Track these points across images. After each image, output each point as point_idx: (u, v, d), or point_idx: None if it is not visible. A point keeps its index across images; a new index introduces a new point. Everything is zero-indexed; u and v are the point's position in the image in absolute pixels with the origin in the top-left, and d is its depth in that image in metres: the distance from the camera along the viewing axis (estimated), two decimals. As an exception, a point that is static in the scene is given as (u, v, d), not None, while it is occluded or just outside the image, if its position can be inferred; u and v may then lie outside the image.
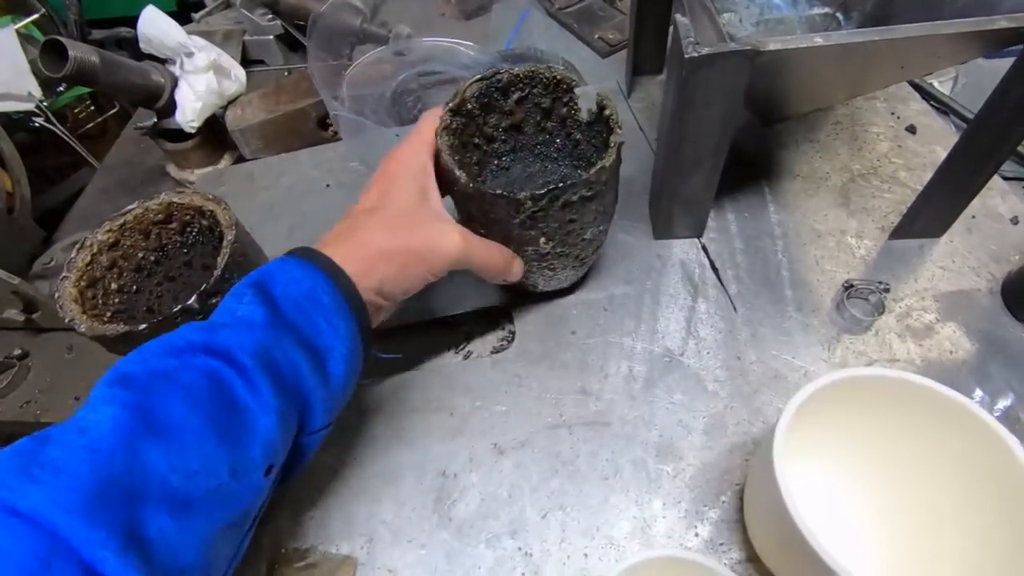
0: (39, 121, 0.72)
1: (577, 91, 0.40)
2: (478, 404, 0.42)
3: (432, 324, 0.48)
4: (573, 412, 0.41)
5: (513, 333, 0.46)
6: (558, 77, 0.40)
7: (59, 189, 0.83)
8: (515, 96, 0.42)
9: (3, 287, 0.48)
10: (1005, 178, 0.51)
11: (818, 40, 0.33)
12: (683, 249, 0.49)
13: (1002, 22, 0.32)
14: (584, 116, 0.41)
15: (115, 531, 0.21)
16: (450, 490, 0.39)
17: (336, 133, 0.62)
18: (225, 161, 0.64)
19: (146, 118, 0.74)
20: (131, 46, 0.99)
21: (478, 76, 0.40)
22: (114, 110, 1.21)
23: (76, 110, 1.11)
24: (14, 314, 0.52)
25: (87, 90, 0.98)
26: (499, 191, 0.34)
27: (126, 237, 0.39)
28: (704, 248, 0.49)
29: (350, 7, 0.69)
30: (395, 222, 0.34)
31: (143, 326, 0.33)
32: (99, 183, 0.69)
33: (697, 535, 0.36)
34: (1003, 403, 0.39)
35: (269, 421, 0.27)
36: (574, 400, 0.42)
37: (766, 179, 0.53)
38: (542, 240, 0.38)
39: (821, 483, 0.35)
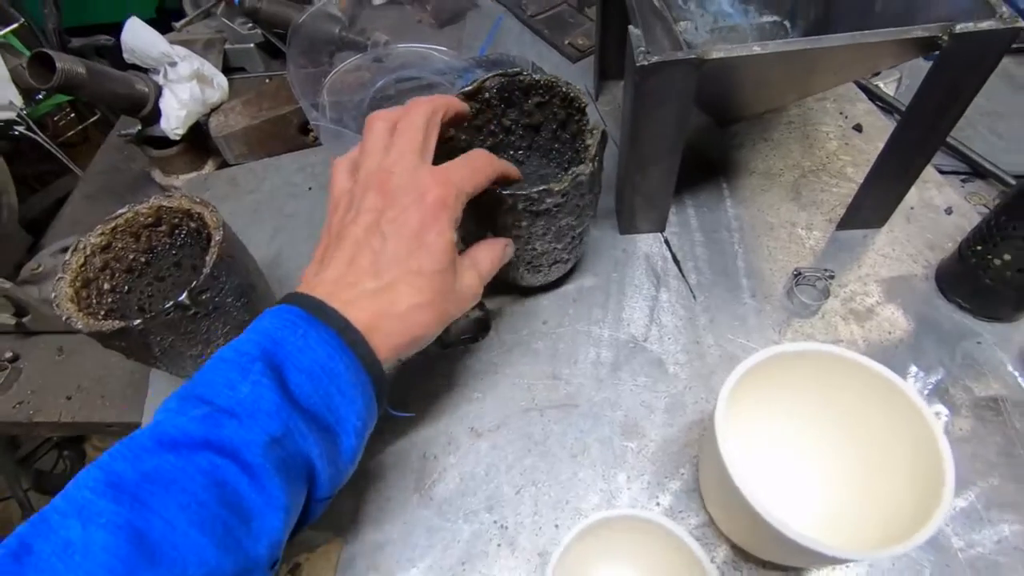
0: (20, 129, 0.73)
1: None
2: (455, 391, 0.45)
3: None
4: (545, 396, 0.44)
5: (488, 323, 0.49)
6: (572, 95, 0.42)
7: (41, 197, 0.84)
8: (535, 100, 0.45)
9: (-5, 291, 0.50)
10: (941, 171, 0.55)
11: (756, 49, 0.37)
12: (647, 243, 0.52)
13: (917, 31, 0.36)
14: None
15: None
16: (431, 471, 0.42)
17: (317, 138, 0.65)
18: (209, 166, 0.66)
19: (130, 125, 0.76)
20: (111, 54, 1.00)
21: (499, 72, 0.43)
22: (95, 118, 1.22)
23: (56, 118, 1.12)
24: (5, 318, 0.54)
25: (67, 98, 0.99)
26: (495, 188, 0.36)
27: (117, 240, 0.41)
28: (666, 241, 0.52)
29: (329, 16, 0.71)
30: (424, 284, 0.30)
31: (137, 321, 0.35)
32: (84, 189, 0.71)
33: (659, 504, 0.39)
34: (935, 377, 0.43)
35: (277, 519, 0.25)
36: (545, 385, 0.45)
37: (724, 176, 0.56)
38: (533, 238, 0.41)
39: (765, 447, 0.38)
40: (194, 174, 0.65)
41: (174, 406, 0.26)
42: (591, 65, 0.68)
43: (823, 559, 0.31)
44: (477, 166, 0.33)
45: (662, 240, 0.52)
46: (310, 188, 0.61)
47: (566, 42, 0.74)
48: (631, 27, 0.39)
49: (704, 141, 0.59)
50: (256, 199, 0.61)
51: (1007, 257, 0.40)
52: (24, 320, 0.55)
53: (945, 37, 0.35)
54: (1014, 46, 0.66)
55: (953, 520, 0.37)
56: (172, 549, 0.22)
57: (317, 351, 0.27)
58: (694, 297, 0.48)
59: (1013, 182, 0.55)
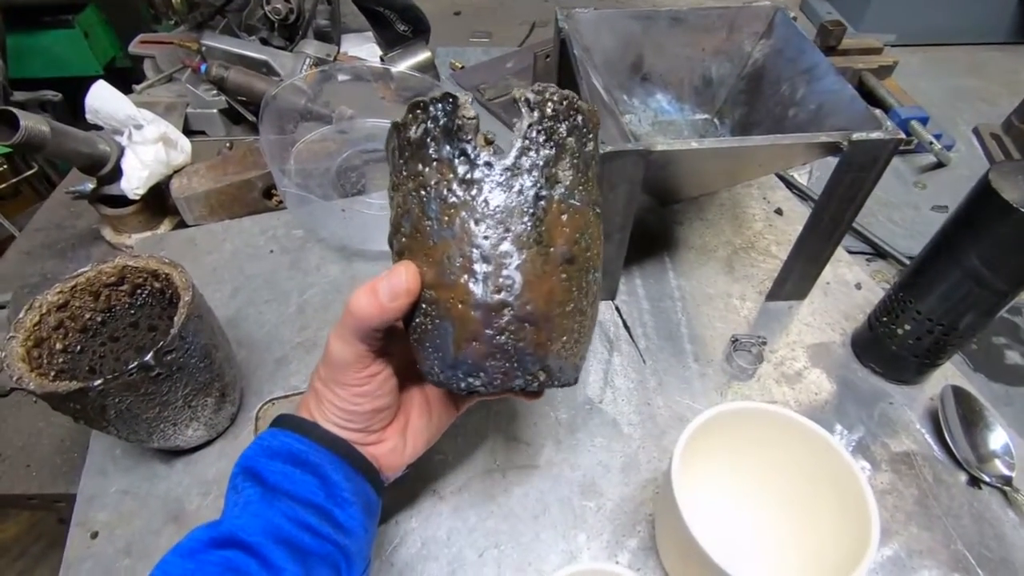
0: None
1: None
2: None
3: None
4: (506, 457, 0.46)
5: (450, 387, 0.50)
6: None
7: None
8: None
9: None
10: (850, 252, 0.63)
11: (694, 144, 0.43)
12: (599, 311, 0.56)
13: (822, 137, 0.43)
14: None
15: None
16: (392, 536, 0.41)
17: (281, 202, 0.66)
18: (165, 226, 0.65)
19: (78, 182, 0.74)
20: (54, 108, 0.99)
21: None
22: (31, 171, 1.18)
23: (-13, 171, 1.07)
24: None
25: (3, 151, 0.96)
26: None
27: (76, 298, 0.41)
28: (617, 309, 0.56)
29: (294, 88, 0.75)
30: (322, 363, 0.33)
31: (98, 382, 0.34)
32: (22, 246, 0.68)
33: (618, 562, 0.40)
34: (856, 435, 0.47)
35: None
36: (506, 446, 0.46)
37: (667, 251, 0.62)
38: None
39: (713, 502, 0.41)
40: (148, 233, 0.64)
41: (191, 531, 0.30)
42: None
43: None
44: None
45: (614, 307, 0.56)
46: (271, 251, 0.62)
47: (521, 124, 0.80)
48: (587, 120, 0.44)
49: (649, 219, 0.65)
50: (215, 260, 0.61)
51: (907, 327, 0.46)
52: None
53: (845, 143, 0.42)
54: (904, 149, 0.78)
55: (882, 568, 0.40)
56: None
57: (279, 450, 0.31)
58: (644, 361, 0.52)
59: (907, 262, 0.64)
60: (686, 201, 0.66)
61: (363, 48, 0.93)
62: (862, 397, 0.50)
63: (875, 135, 0.42)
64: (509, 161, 0.27)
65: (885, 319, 0.48)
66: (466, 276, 0.28)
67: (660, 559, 0.40)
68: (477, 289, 0.28)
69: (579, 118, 0.29)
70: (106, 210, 0.62)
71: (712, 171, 0.52)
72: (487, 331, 0.28)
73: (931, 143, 0.73)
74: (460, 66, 0.92)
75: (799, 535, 0.38)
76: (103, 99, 0.59)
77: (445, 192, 0.28)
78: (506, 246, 0.28)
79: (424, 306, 0.29)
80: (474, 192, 0.27)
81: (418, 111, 0.28)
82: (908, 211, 0.71)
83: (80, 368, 0.41)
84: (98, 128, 0.61)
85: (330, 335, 0.31)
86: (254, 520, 0.29)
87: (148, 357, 0.35)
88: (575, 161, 0.29)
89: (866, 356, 0.52)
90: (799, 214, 0.66)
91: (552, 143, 0.28)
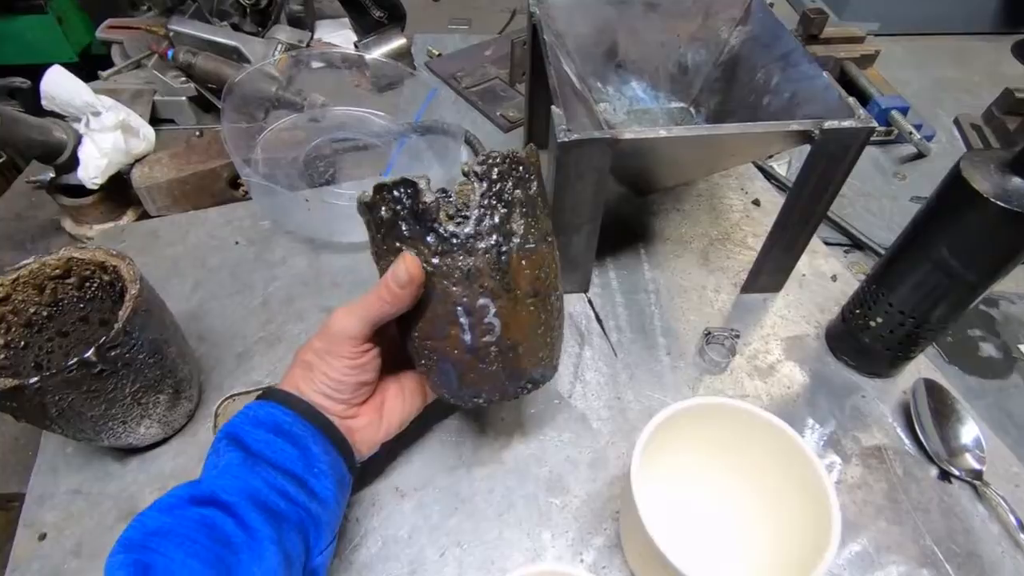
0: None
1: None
2: (384, 450, 0.44)
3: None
4: (471, 453, 0.45)
5: (417, 382, 0.49)
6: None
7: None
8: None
9: None
10: (827, 243, 0.62)
11: (663, 132, 0.41)
12: (572, 302, 0.55)
13: (794, 126, 0.42)
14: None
15: None
16: (352, 535, 0.40)
17: (247, 193, 0.64)
18: (128, 217, 0.63)
19: (40, 172, 0.72)
20: (23, 95, 0.96)
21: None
22: (-1, 160, 1.14)
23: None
24: None
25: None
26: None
27: (18, 292, 0.39)
28: (590, 301, 0.55)
29: (265, 75, 0.73)
30: (316, 334, 0.36)
31: (34, 379, 0.33)
32: (-19, 237, 0.66)
33: (583, 560, 0.39)
34: (828, 429, 0.47)
35: (264, 550, 0.29)
36: (472, 442, 0.45)
37: (642, 242, 0.61)
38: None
39: (681, 499, 0.40)
40: (110, 224, 0.62)
41: (171, 489, 0.31)
42: (521, 135, 0.73)
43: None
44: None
45: (586, 300, 0.55)
46: (236, 242, 0.60)
47: (498, 113, 0.79)
48: (553, 107, 0.43)
49: (624, 210, 0.64)
50: (177, 252, 0.59)
51: (879, 320, 0.46)
52: None
53: (817, 131, 0.41)
54: (884, 140, 0.77)
55: (850, 564, 0.40)
56: (170, 572, 0.27)
57: (264, 421, 0.33)
58: (615, 355, 0.51)
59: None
60: (662, 191, 0.65)
61: (338, 34, 0.91)
62: (834, 390, 0.49)
63: (847, 123, 0.41)
64: (470, 229, 0.32)
65: (858, 311, 0.48)
66: (455, 329, 0.34)
67: (625, 558, 0.39)
68: (467, 338, 0.34)
69: (520, 168, 0.33)
70: (65, 200, 0.60)
71: (685, 160, 0.51)
72: (480, 365, 0.35)
73: (911, 133, 0.72)
74: (437, 53, 0.90)
75: (765, 532, 0.37)
76: (59, 85, 0.57)
77: (423, 264, 0.33)
78: (483, 300, 0.33)
79: (427, 352, 0.36)
80: (448, 260, 0.33)
81: (384, 193, 0.32)
82: (887, 202, 0.70)
83: (25, 364, 0.40)
84: (61, 117, 0.59)
85: (337, 311, 0.35)
86: (234, 482, 0.31)
87: (89, 353, 0.34)
88: (524, 210, 0.34)
89: (839, 349, 0.51)
90: (777, 205, 0.65)
91: (503, 203, 0.33)
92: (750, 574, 0.36)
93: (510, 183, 0.33)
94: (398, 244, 0.33)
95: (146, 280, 0.40)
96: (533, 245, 0.34)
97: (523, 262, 0.34)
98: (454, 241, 0.32)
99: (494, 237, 0.33)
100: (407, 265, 0.32)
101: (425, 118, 0.78)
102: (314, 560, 0.33)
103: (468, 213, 0.32)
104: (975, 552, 0.40)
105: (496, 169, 0.33)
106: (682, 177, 0.59)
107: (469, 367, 0.35)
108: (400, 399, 0.40)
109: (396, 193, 0.32)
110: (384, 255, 0.34)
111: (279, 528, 0.30)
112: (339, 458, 0.35)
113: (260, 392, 0.36)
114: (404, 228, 0.33)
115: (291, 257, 0.59)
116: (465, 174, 0.33)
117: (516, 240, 0.33)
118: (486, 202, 0.32)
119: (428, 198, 0.32)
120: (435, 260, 0.33)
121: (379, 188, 0.32)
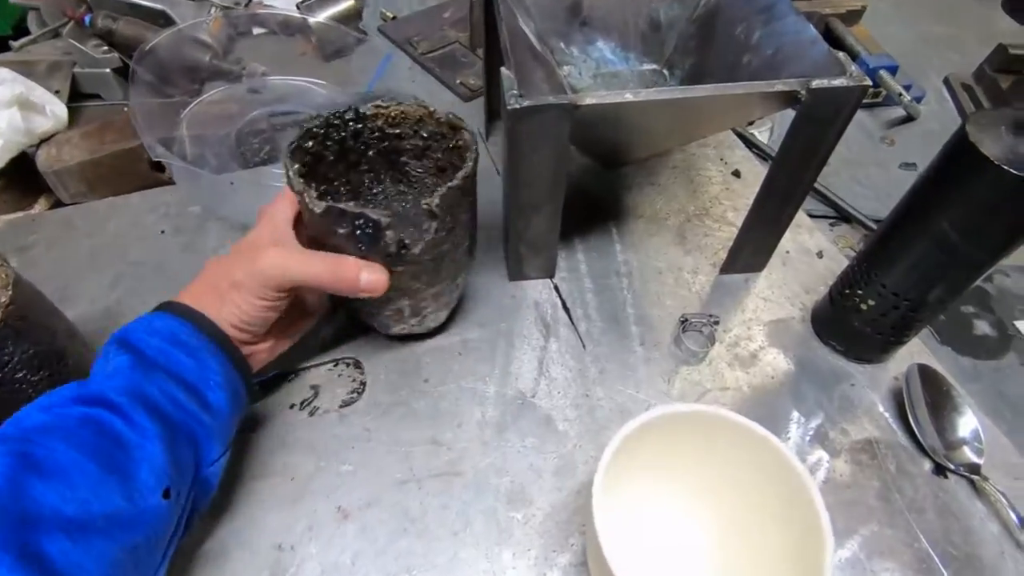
0: None
1: None
2: (322, 464, 0.40)
3: (277, 379, 0.44)
4: (424, 465, 0.40)
5: (364, 384, 0.44)
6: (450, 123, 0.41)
7: None
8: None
9: None
10: (812, 216, 0.58)
11: (629, 96, 0.36)
12: (536, 289, 0.50)
13: (778, 86, 0.36)
14: None
15: (7, 549, 0.23)
16: (286, 565, 0.36)
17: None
18: (40, 206, 0.57)
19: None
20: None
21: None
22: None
23: None
24: None
25: None
26: (340, 205, 0.33)
27: None
28: (556, 288, 0.50)
29: (196, 41, 0.65)
30: (237, 256, 0.35)
31: None
32: None
33: (546, 583, 0.35)
34: (815, 422, 0.43)
35: (153, 447, 0.29)
36: (425, 452, 0.40)
37: (613, 220, 0.56)
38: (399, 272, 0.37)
39: (652, 512, 0.36)
40: (19, 214, 0.55)
41: (54, 389, 0.29)
42: (483, 105, 0.66)
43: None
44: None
45: (552, 286, 0.50)
46: (162, 231, 0.53)
47: (458, 81, 0.72)
48: (503, 69, 0.37)
49: (593, 185, 0.59)
50: (95, 244, 0.52)
51: (871, 302, 0.41)
52: None
53: (803, 92, 0.36)
54: (871, 102, 0.72)
55: (840, 571, 0.36)
56: (57, 464, 0.26)
57: (162, 331, 0.32)
58: (584, 346, 0.46)
59: (874, 227, 0.59)
60: (634, 164, 0.59)
61: (280, -4, 0.83)
62: (822, 378, 0.45)
63: (837, 82, 0.36)
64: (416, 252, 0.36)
65: (847, 293, 0.43)
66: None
67: (592, 577, 0.35)
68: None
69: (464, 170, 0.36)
70: (-39, 188, 0.53)
71: (656, 128, 0.45)
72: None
73: (900, 94, 0.68)
74: (392, 16, 0.83)
75: (746, 553, 0.33)
76: (-59, 55, 0.49)
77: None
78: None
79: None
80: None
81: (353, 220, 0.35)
82: (874, 170, 0.66)
83: None
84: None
85: (271, 251, 0.34)
86: (123, 383, 0.30)
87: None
88: (463, 231, 0.39)
89: (827, 333, 0.47)
90: (759, 175, 0.60)
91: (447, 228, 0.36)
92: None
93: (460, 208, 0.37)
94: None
95: (27, 284, 0.34)
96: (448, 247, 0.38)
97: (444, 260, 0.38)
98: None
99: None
100: (382, 283, 0.36)
101: (378, 88, 0.71)
102: (204, 470, 0.32)
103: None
104: (974, 554, 0.37)
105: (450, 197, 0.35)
106: (655, 147, 0.54)
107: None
108: (297, 318, 0.41)
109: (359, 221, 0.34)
110: (329, 239, 0.36)
111: (170, 432, 0.30)
112: (236, 375, 0.35)
113: (161, 304, 0.34)
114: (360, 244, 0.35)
115: (225, 247, 0.53)
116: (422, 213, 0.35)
117: (448, 246, 0.37)
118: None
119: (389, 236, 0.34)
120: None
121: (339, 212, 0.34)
